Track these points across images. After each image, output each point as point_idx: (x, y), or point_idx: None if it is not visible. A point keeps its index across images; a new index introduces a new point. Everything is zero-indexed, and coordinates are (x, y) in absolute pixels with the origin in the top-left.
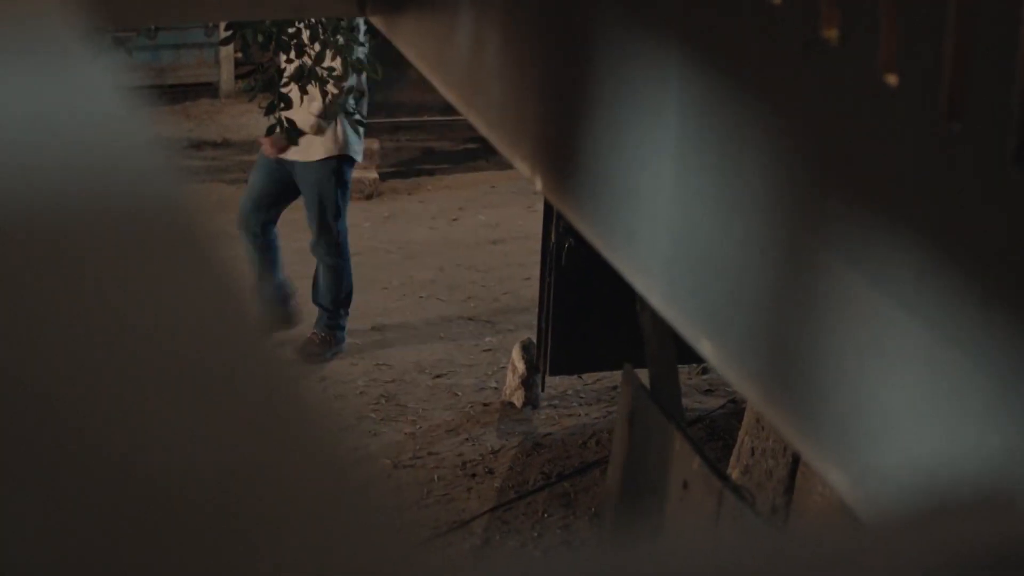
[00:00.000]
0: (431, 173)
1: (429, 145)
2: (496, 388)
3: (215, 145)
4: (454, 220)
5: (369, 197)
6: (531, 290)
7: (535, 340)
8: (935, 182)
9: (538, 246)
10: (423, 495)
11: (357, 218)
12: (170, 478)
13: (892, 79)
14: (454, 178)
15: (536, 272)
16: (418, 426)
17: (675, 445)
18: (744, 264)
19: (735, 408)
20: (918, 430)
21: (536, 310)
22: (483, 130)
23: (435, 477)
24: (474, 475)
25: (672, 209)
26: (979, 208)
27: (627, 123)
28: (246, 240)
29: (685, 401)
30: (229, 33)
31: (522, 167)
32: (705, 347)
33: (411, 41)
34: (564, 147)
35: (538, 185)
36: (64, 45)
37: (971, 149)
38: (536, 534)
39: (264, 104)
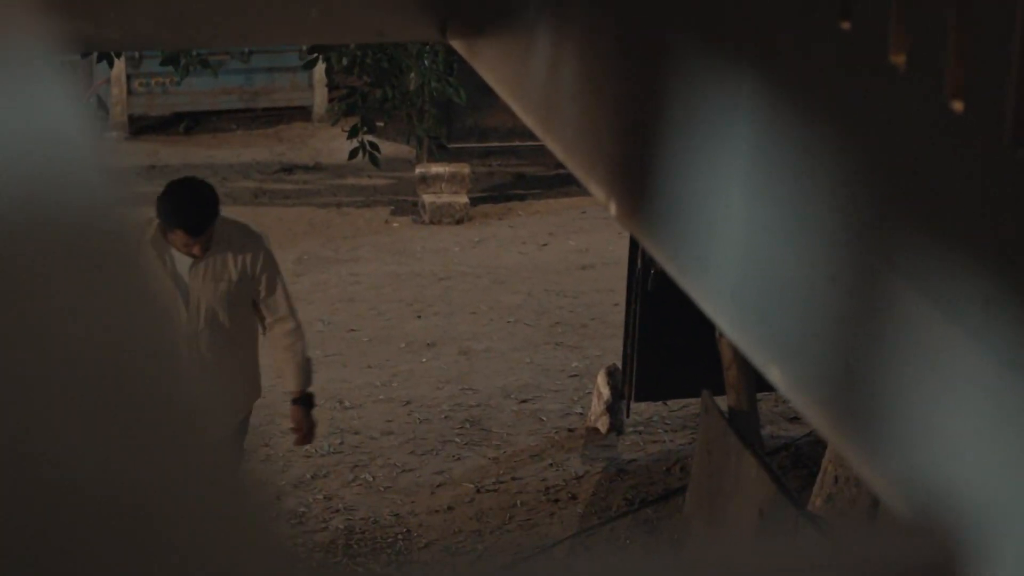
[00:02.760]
0: (522, 198)
1: (520, 170)
2: (581, 414)
3: (307, 169)
4: (544, 245)
5: (459, 222)
6: (619, 316)
7: (620, 366)
8: (1001, 209)
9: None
10: (505, 520)
11: (447, 242)
12: (80, 484)
13: (958, 105)
14: (545, 203)
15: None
16: (502, 451)
17: (751, 472)
18: (814, 291)
19: (820, 436)
20: (981, 458)
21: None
22: (559, 155)
23: (518, 502)
24: (557, 500)
25: (742, 235)
26: None
27: (699, 150)
28: None
29: (770, 428)
30: (312, 57)
31: (597, 192)
32: (773, 373)
33: (491, 65)
34: (638, 173)
35: (612, 210)
36: (23, 64)
37: None
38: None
39: (348, 128)
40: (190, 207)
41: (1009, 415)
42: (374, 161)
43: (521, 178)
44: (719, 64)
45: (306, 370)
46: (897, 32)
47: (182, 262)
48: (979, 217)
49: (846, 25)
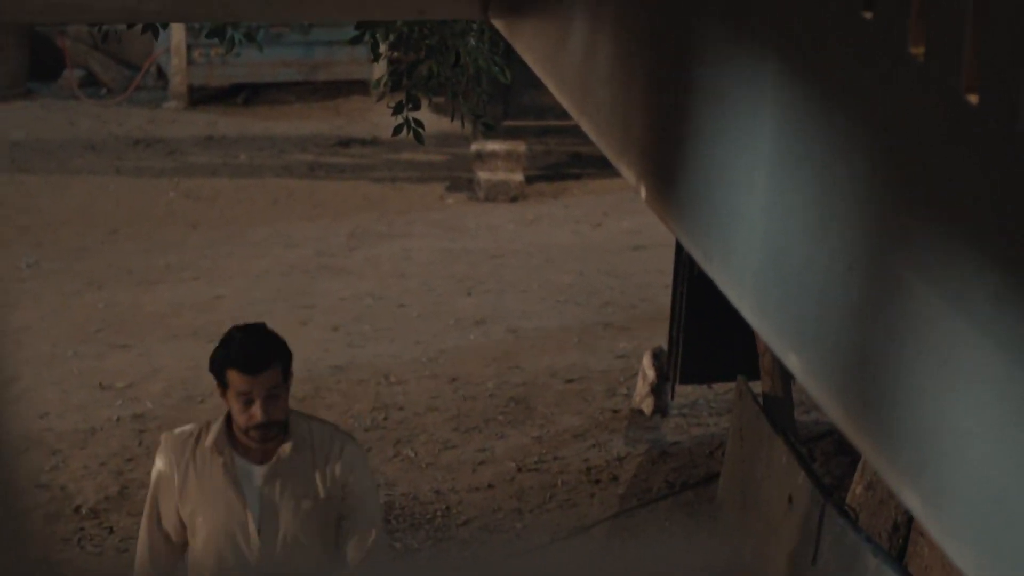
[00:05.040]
0: (577, 177)
1: (576, 149)
2: (627, 395)
3: (364, 142)
4: (597, 225)
5: (514, 200)
6: (669, 298)
7: (666, 348)
8: (1012, 203)
9: None
10: (546, 499)
11: (501, 220)
12: None
13: (973, 98)
14: (600, 183)
15: None
16: (545, 430)
17: (782, 459)
18: (831, 280)
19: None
20: (989, 451)
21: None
22: (592, 136)
23: (559, 482)
24: (598, 481)
25: (764, 223)
26: None
27: (724, 136)
28: None
29: (813, 415)
30: (357, 32)
31: (628, 175)
32: (792, 361)
33: (529, 45)
34: (666, 157)
35: (643, 194)
36: None
37: None
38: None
39: (393, 104)
40: (245, 338)
41: (1017, 410)
42: (418, 138)
43: (577, 157)
44: (743, 52)
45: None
46: (916, 23)
47: (249, 474)
48: (991, 211)
49: (868, 15)
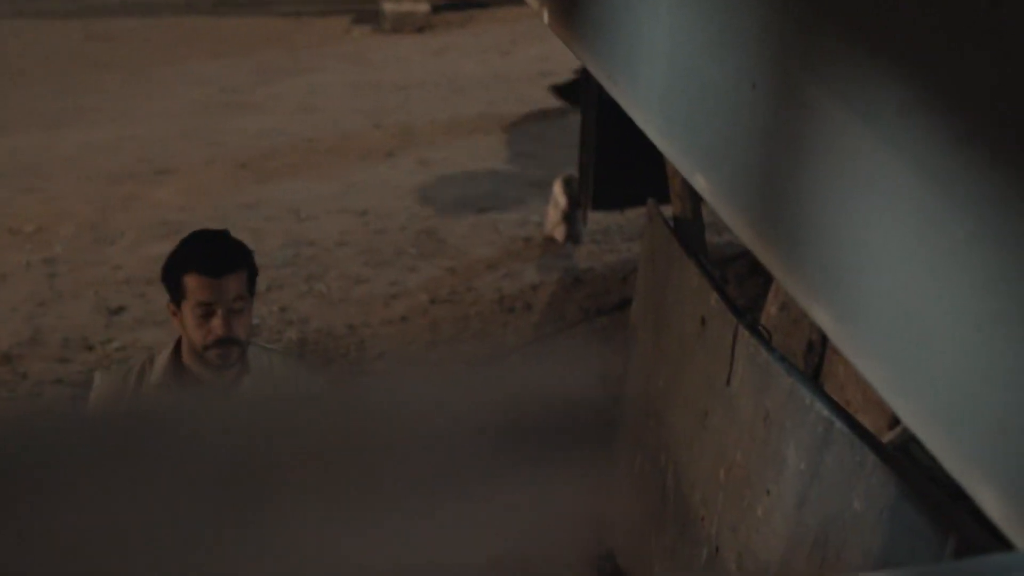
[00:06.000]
0: (484, 5)
1: None
2: (539, 224)
3: None
4: (506, 54)
5: (421, 30)
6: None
7: (577, 175)
8: (917, 13)
9: None
10: (460, 330)
11: (408, 51)
12: None
13: None
14: (507, 11)
15: None
16: (458, 261)
17: (693, 281)
18: (736, 99)
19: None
20: (897, 265)
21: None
22: None
23: (473, 312)
24: (512, 310)
25: (667, 44)
26: (962, 41)
27: None
28: None
29: (726, 237)
30: None
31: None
32: (699, 181)
33: None
34: None
35: (545, 18)
36: None
37: None
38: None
39: None
40: (208, 240)
41: (924, 223)
42: None
43: None
44: None
45: None
46: None
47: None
48: (896, 19)
49: None
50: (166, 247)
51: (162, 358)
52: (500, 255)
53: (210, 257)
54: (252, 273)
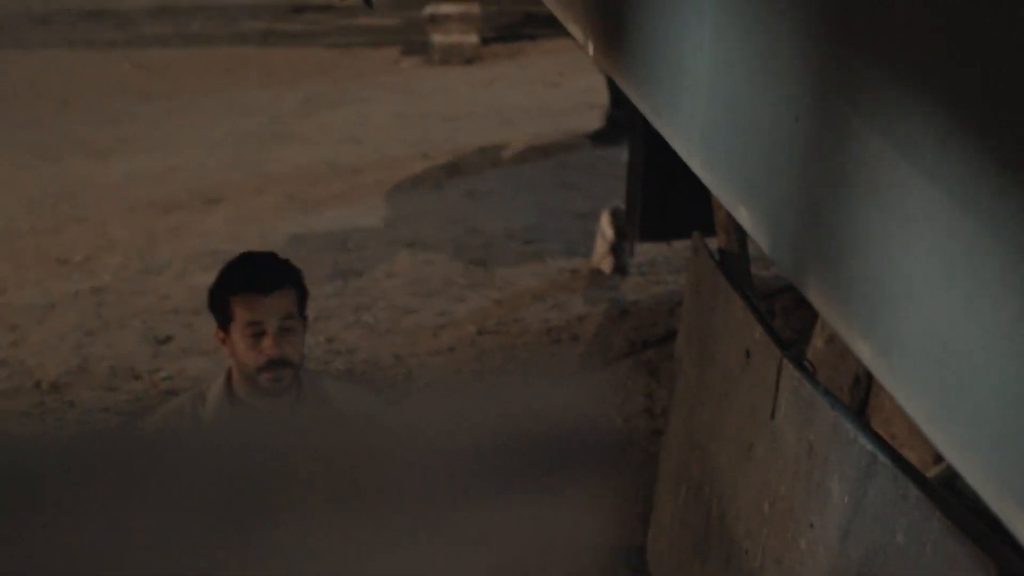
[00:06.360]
0: (532, 38)
1: (530, 9)
2: (586, 255)
3: (317, 9)
4: (553, 85)
5: (469, 62)
6: (626, 156)
7: (624, 206)
8: (957, 45)
9: None
10: (507, 360)
11: (457, 82)
12: None
13: None
14: (556, 43)
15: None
16: (505, 292)
17: (738, 314)
18: (778, 131)
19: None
20: (937, 297)
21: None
22: None
23: (520, 343)
24: (559, 341)
25: (711, 75)
26: (1000, 73)
27: None
28: None
29: (773, 270)
30: None
31: (575, 31)
32: (742, 214)
33: None
34: (613, 14)
35: (590, 50)
36: None
37: (995, 13)
38: (620, 402)
39: None
40: (253, 259)
41: (963, 254)
42: (367, 2)
43: (531, 17)
44: None
45: None
46: None
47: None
48: (935, 52)
49: None
50: (213, 277)
51: (214, 392)
52: (547, 286)
53: (256, 274)
54: (302, 293)
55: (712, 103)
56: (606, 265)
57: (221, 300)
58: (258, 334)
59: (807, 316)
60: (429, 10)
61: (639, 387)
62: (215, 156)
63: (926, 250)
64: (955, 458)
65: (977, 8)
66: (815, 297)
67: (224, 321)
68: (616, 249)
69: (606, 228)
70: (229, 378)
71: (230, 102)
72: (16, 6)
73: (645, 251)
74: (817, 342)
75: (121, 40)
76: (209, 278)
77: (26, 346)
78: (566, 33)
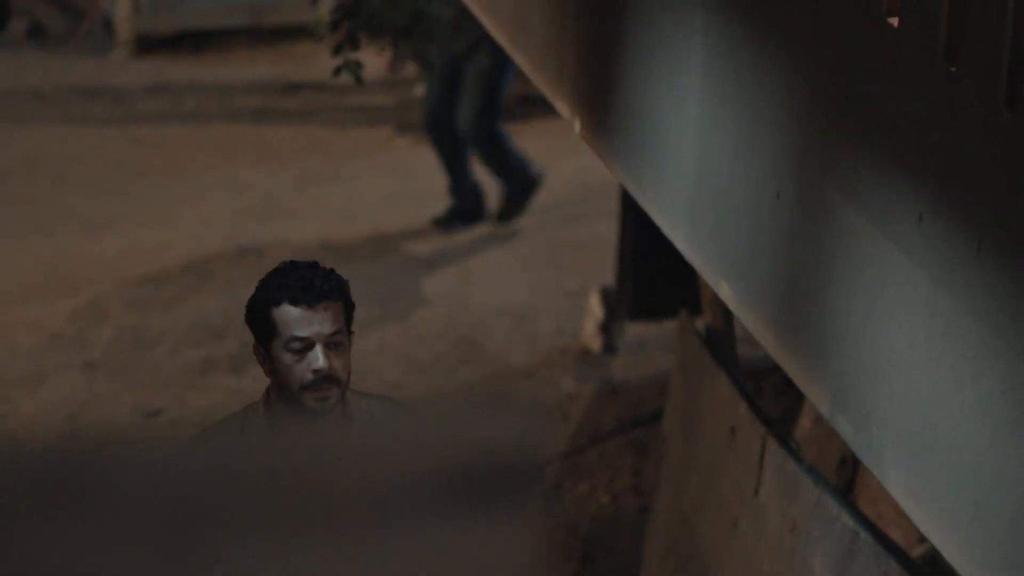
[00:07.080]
0: (525, 118)
1: (524, 91)
2: (575, 334)
3: (312, 88)
4: (546, 164)
5: None
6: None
7: (614, 286)
8: (934, 128)
9: None
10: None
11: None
12: None
13: (894, 21)
14: (549, 124)
15: None
16: (495, 368)
17: (724, 391)
18: (760, 208)
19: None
20: (914, 372)
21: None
22: (526, 69)
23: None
24: (548, 419)
25: (694, 153)
26: (974, 152)
27: (656, 72)
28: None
29: (762, 350)
30: None
31: (562, 108)
32: (723, 290)
33: None
34: (600, 92)
35: (577, 127)
36: None
37: (968, 91)
38: (608, 479)
39: (332, 45)
40: (300, 268)
41: (941, 330)
42: (357, 79)
43: (524, 99)
44: None
45: None
46: None
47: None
48: (914, 132)
49: None
50: (205, 352)
51: (255, 414)
52: (537, 363)
53: (301, 286)
54: (349, 306)
55: (695, 180)
56: (595, 344)
57: (261, 314)
58: (304, 349)
59: (795, 395)
60: (420, 89)
61: (627, 465)
62: (209, 232)
63: (904, 324)
64: (932, 532)
65: (952, 88)
66: (795, 373)
67: (264, 337)
68: (605, 328)
69: (595, 307)
70: (268, 398)
71: (224, 178)
72: (13, 82)
73: (635, 330)
74: (804, 421)
75: (117, 116)
76: (201, 353)
77: (16, 418)
78: (560, 114)
